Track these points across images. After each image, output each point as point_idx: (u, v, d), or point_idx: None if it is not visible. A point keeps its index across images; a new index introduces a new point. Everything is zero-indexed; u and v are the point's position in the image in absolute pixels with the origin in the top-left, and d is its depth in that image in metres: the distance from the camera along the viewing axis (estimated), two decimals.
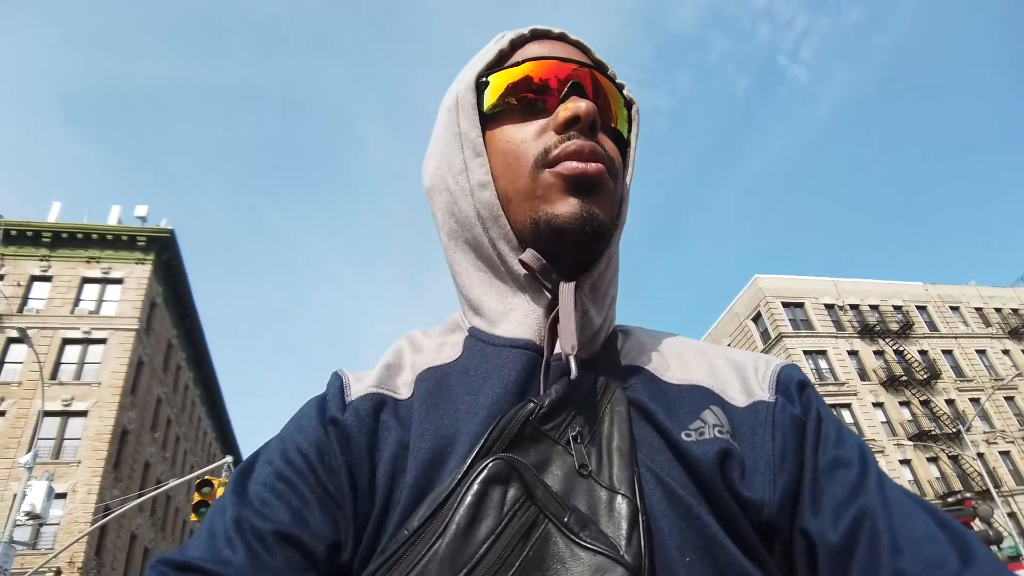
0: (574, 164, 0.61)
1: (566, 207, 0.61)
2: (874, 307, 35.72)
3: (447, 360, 0.67)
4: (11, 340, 24.94)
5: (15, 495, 16.60)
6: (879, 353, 33.78)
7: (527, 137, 0.64)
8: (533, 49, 0.69)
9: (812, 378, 31.31)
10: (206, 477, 12.28)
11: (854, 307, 35.34)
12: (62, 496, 21.87)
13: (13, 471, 22.01)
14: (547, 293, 0.65)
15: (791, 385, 0.64)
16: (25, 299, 26.41)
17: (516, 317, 0.65)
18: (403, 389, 0.65)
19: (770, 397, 0.62)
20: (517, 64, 0.67)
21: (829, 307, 34.87)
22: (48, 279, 27.05)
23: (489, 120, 0.67)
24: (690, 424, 0.59)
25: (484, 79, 0.68)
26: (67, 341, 25.68)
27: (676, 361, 0.68)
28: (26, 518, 13.80)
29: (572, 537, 0.48)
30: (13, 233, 27.19)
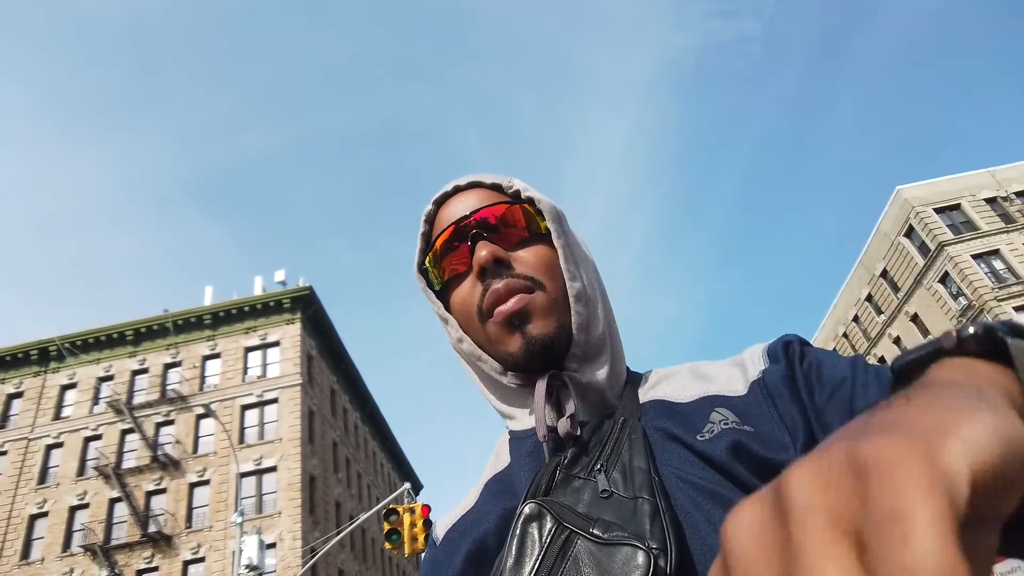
0: (499, 309, 0.75)
1: (513, 345, 0.76)
2: None
3: (503, 466, 0.82)
4: (199, 417, 27.76)
5: (233, 552, 18.35)
6: None
7: (465, 296, 0.79)
8: (441, 219, 0.82)
9: (989, 283, 28.10)
10: (391, 506, 12.86)
11: (1021, 194, 31.41)
12: (272, 546, 23.94)
13: (227, 531, 24.41)
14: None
15: (777, 348, 0.74)
16: (202, 378, 29.30)
17: (526, 413, 0.81)
18: (469, 503, 0.81)
19: (758, 373, 0.73)
20: (433, 244, 0.81)
21: (991, 201, 31.20)
22: (217, 356, 29.85)
23: (444, 290, 0.83)
24: (703, 429, 0.69)
25: (424, 266, 0.84)
26: (245, 407, 28.17)
27: (690, 384, 0.78)
28: (247, 571, 15.18)
29: (599, 540, 0.57)
30: (180, 323, 30.27)
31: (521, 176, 0.85)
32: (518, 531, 0.61)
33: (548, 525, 0.60)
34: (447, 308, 0.84)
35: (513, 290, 0.75)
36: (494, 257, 0.75)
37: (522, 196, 0.81)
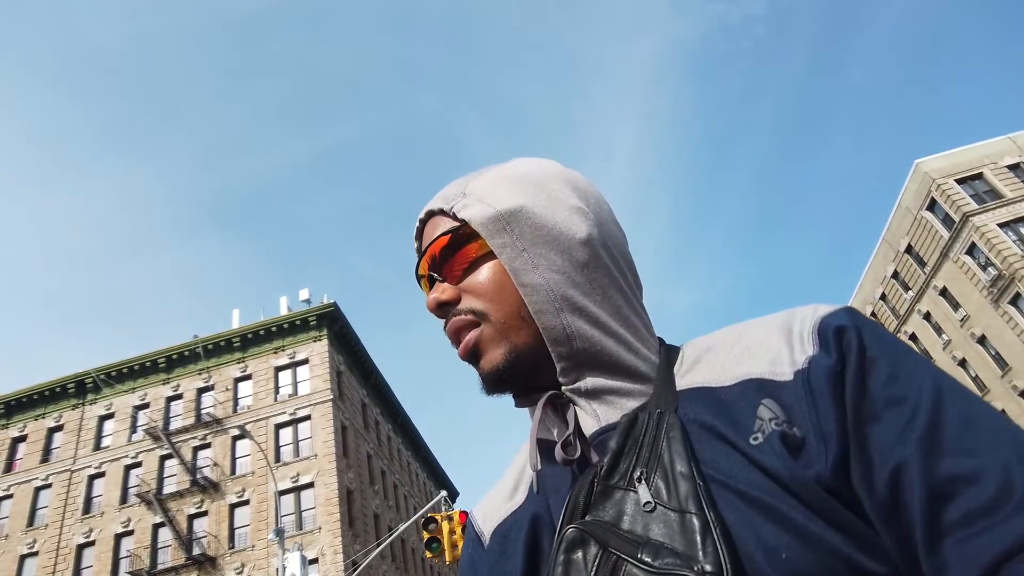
0: (457, 350, 0.74)
1: (480, 375, 0.74)
2: None
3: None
4: (235, 438, 28.19)
5: (276, 569, 18.57)
6: None
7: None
8: (421, 243, 0.81)
9: (1018, 251, 27.55)
10: (429, 515, 12.90)
11: None
12: (314, 561, 24.22)
13: (269, 548, 24.73)
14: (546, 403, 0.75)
15: (828, 334, 0.62)
16: (235, 400, 29.75)
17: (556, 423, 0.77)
18: (519, 499, 0.78)
19: (805, 363, 0.62)
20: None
21: (1014, 167, 30.57)
22: (248, 377, 30.29)
23: None
24: (753, 427, 0.60)
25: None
26: (279, 426, 28.53)
27: (731, 363, 0.68)
28: None
29: (649, 568, 0.53)
30: (210, 347, 30.76)
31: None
32: (561, 559, 0.57)
33: (593, 551, 0.56)
34: None
35: (457, 331, 0.73)
36: (437, 303, 0.74)
37: (459, 214, 0.75)
